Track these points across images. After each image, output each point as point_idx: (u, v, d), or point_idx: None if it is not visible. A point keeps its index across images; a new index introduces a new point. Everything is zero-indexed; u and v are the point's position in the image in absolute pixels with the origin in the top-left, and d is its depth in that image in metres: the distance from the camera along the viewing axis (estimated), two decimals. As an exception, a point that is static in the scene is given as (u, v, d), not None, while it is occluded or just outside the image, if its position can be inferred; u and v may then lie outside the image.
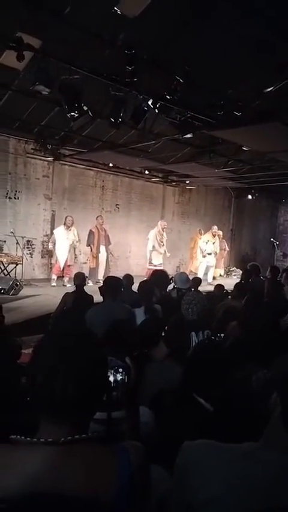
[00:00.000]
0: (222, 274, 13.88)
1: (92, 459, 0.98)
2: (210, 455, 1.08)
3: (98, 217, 10.87)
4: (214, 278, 12.66)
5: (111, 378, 1.45)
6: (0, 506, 0.90)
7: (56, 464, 0.95)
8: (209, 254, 12.51)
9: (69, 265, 10.15)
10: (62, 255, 9.96)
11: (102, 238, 10.67)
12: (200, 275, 11.31)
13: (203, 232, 13.36)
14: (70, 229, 10.04)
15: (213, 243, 12.63)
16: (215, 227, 12.89)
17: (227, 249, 14.49)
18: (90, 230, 10.59)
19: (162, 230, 11.43)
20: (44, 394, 1.00)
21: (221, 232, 13.37)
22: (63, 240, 9.96)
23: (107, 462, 0.99)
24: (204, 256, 12.57)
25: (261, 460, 1.01)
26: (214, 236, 12.72)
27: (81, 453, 0.98)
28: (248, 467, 1.01)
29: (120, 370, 1.48)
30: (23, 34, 5.09)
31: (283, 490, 0.99)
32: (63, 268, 10.05)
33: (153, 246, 11.27)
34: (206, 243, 12.58)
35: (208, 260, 12.54)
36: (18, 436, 0.99)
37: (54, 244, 10.09)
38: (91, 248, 10.57)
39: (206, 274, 12.26)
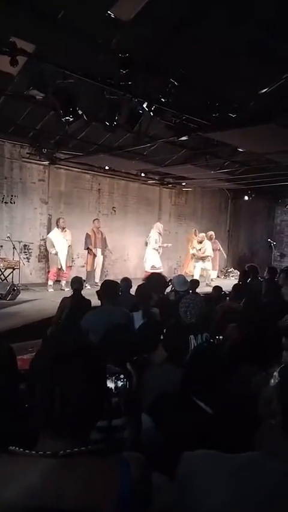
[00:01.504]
0: (213, 277, 13.25)
1: (92, 472, 0.96)
2: (212, 465, 1.06)
3: (94, 220, 10.86)
4: (212, 280, 12.65)
5: (112, 385, 1.43)
6: None
7: (56, 477, 0.93)
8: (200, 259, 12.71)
9: (69, 266, 10.13)
10: (62, 256, 9.92)
11: (99, 241, 10.65)
12: (196, 277, 11.29)
13: (197, 233, 13.32)
14: (65, 231, 10.02)
15: (199, 249, 12.73)
16: (201, 234, 13.01)
17: (220, 248, 14.25)
18: (87, 233, 10.56)
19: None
20: (43, 409, 0.99)
21: (209, 233, 13.37)
22: (61, 242, 9.92)
23: (107, 475, 0.97)
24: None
25: (264, 470, 1.00)
26: (200, 242, 12.80)
27: (80, 466, 0.96)
28: (251, 477, 1.00)
29: (122, 376, 1.46)
30: (16, 39, 5.08)
31: (286, 499, 0.97)
32: (62, 270, 9.99)
33: (158, 247, 11.50)
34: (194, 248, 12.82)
35: (201, 263, 12.66)
36: (17, 448, 0.97)
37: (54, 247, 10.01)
38: (89, 251, 10.54)
39: (202, 276, 12.26)
